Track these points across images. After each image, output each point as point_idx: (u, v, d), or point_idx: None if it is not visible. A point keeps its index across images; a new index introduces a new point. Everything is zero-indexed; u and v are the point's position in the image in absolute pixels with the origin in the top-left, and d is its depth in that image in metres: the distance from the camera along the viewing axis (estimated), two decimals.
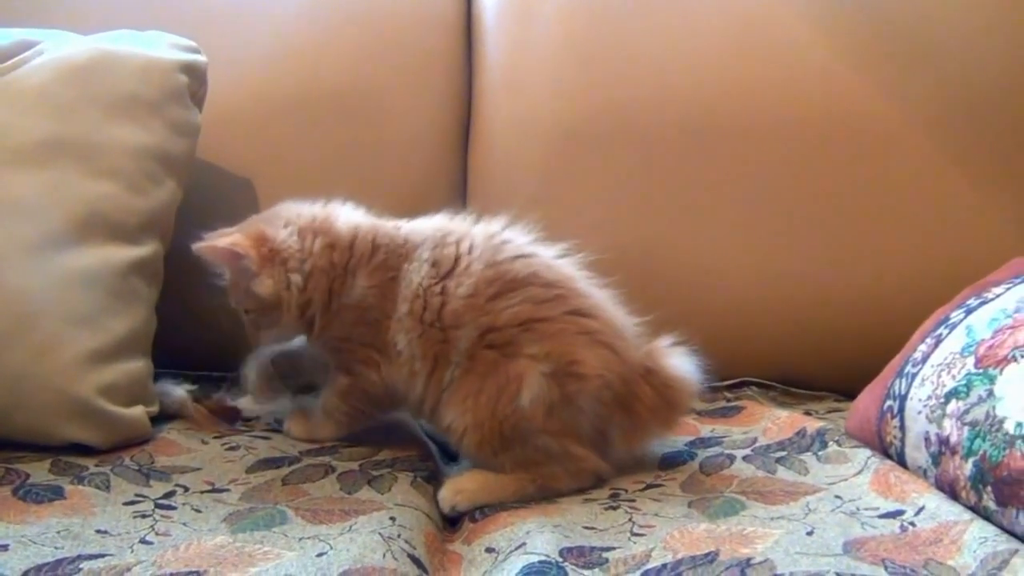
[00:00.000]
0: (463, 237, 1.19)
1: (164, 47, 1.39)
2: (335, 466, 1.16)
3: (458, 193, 1.60)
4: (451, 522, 1.09)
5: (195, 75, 1.40)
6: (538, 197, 1.55)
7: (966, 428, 1.01)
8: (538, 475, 1.11)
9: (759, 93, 1.54)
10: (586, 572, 0.89)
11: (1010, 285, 1.14)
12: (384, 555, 0.90)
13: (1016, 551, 0.87)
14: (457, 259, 1.16)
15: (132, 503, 1.05)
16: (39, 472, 1.11)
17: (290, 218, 1.23)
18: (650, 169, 1.53)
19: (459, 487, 1.11)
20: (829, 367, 1.48)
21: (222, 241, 1.19)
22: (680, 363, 1.16)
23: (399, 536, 0.95)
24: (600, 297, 1.18)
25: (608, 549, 0.94)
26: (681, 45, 1.58)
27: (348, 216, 1.25)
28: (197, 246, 1.19)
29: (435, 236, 1.19)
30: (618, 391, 1.13)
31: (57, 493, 1.06)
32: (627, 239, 1.50)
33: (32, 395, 1.17)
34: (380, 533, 0.94)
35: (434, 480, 1.16)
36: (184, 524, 1.00)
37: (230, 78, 1.53)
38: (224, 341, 1.52)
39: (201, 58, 1.42)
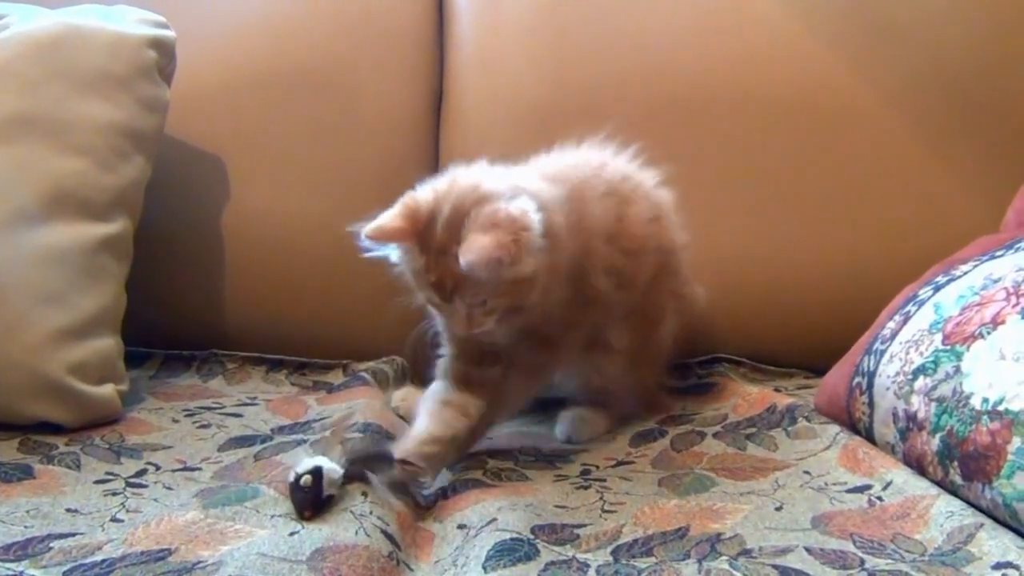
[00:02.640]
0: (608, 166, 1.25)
1: (132, 22, 1.38)
2: (307, 440, 1.16)
3: (430, 170, 1.58)
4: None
5: (164, 51, 1.39)
6: None
7: (933, 404, 1.02)
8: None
9: (729, 70, 1.55)
10: (557, 548, 0.90)
11: (977, 262, 1.15)
12: (357, 532, 0.90)
13: (981, 525, 0.88)
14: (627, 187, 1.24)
15: (102, 481, 1.05)
16: (8, 451, 1.11)
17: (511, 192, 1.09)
18: (621, 146, 1.53)
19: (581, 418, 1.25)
20: (798, 344, 1.49)
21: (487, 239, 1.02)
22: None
23: (371, 513, 0.95)
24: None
25: (579, 526, 0.95)
26: (652, 22, 1.58)
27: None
28: (467, 260, 1.00)
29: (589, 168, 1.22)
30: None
31: (26, 472, 1.05)
32: None
33: (0, 373, 1.16)
34: (351, 511, 0.94)
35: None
36: (155, 500, 1.00)
37: (199, 54, 1.52)
38: (194, 319, 1.52)
39: (170, 33, 1.40)
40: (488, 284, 1.04)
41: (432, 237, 1.05)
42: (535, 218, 1.05)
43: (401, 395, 1.35)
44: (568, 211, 1.12)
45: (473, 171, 1.13)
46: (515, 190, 1.08)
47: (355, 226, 1.06)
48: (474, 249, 1.01)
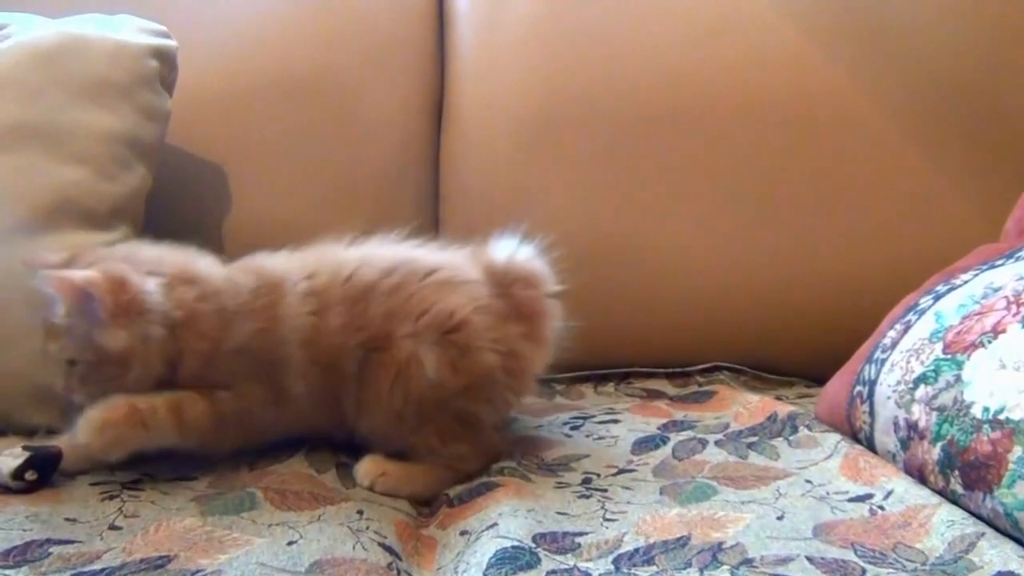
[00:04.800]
0: (318, 267, 1.15)
1: (133, 31, 1.38)
2: (304, 444, 1.15)
3: (430, 178, 1.59)
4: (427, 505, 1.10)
5: (165, 60, 1.39)
6: (509, 182, 1.55)
7: (934, 413, 1.01)
8: (449, 456, 1.12)
9: (729, 79, 1.55)
10: (559, 557, 0.89)
11: (978, 271, 1.15)
12: (354, 547, 0.90)
13: (982, 534, 0.88)
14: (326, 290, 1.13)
15: (98, 484, 1.05)
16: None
17: (153, 266, 1.08)
18: (620, 153, 1.53)
19: (383, 468, 1.10)
20: (799, 353, 1.49)
21: (76, 275, 1.02)
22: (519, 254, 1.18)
23: (367, 528, 0.95)
24: (439, 256, 1.19)
25: (580, 534, 0.94)
26: (651, 30, 1.59)
27: (210, 264, 1.14)
28: (43, 272, 1.03)
29: (301, 269, 1.15)
30: (495, 310, 1.14)
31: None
32: (598, 223, 1.51)
33: (0, 382, 1.16)
34: (348, 526, 0.94)
35: None
36: (152, 503, 1.00)
37: (200, 63, 1.52)
38: None
39: (171, 43, 1.40)
40: (73, 339, 1.04)
41: None
42: (152, 299, 1.04)
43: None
44: (240, 298, 1.10)
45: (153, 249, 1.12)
46: (158, 266, 1.08)
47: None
48: (65, 273, 1.02)
